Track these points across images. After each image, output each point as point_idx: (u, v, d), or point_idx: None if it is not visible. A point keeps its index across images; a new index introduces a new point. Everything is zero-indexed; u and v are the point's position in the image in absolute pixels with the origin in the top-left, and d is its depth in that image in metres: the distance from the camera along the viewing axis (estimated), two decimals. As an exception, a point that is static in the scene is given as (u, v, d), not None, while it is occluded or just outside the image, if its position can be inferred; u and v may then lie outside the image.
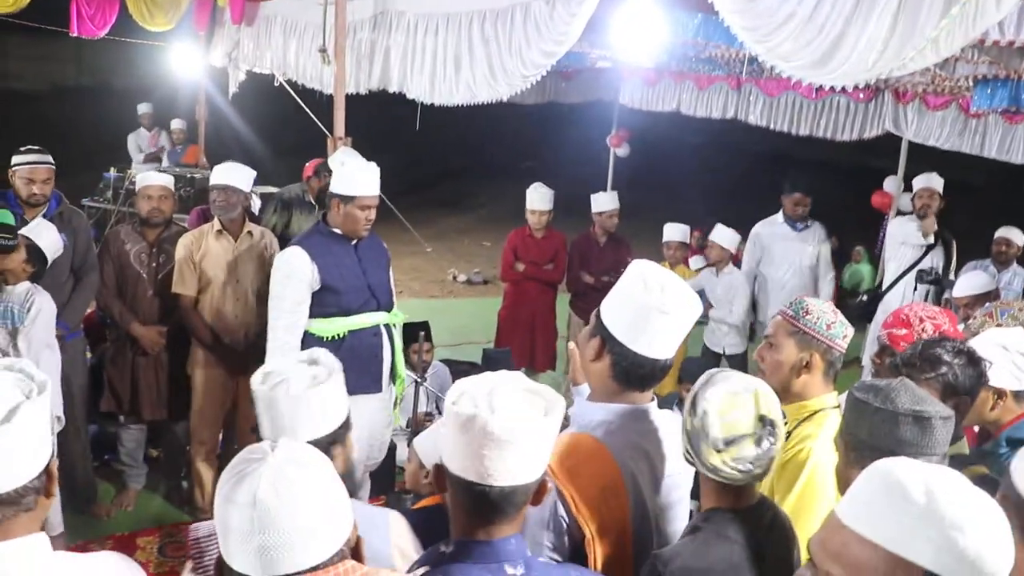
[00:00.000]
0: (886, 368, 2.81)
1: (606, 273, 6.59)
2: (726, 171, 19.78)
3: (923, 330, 2.88)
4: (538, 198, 6.63)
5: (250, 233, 4.74)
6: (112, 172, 9.73)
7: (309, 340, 4.07)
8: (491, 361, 5.15)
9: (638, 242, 10.93)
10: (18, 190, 4.56)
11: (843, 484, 1.96)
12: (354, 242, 4.18)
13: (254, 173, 4.88)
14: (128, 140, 11.41)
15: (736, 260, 6.65)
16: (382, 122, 10.73)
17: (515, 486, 1.66)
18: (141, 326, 4.77)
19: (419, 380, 4.94)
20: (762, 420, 1.89)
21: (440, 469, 1.72)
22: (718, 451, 1.87)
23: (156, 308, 4.82)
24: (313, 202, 5.70)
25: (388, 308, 4.31)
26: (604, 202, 6.73)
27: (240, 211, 4.71)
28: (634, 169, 10.60)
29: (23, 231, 4.17)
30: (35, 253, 4.14)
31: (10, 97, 18.97)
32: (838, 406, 2.50)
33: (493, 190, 16.77)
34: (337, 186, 4.09)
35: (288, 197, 5.82)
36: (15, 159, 4.57)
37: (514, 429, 1.62)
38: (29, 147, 4.62)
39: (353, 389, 3.97)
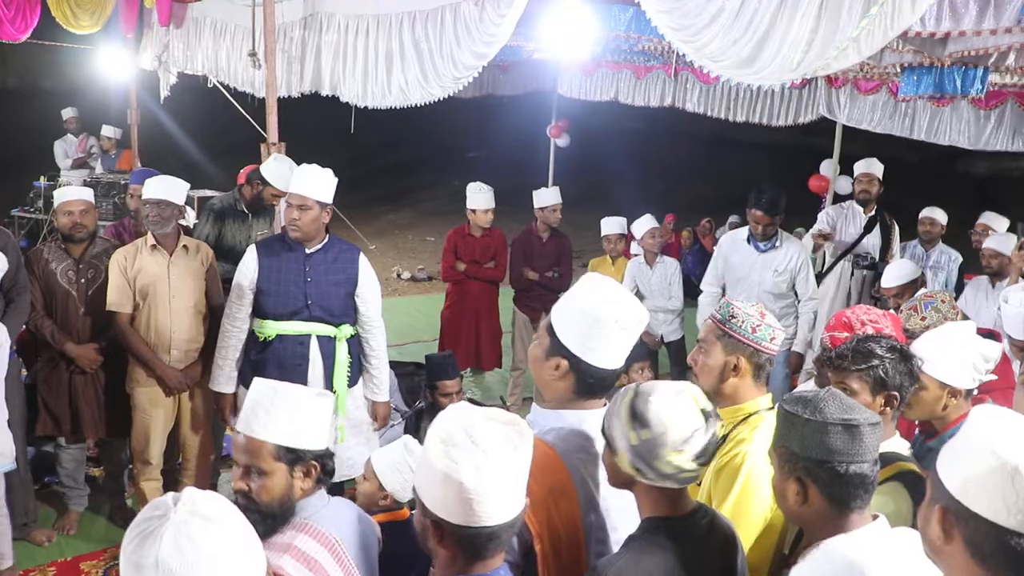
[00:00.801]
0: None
1: (549, 268, 6.62)
2: (666, 156, 19.93)
3: (864, 334, 2.92)
4: (482, 199, 6.60)
5: (185, 247, 4.63)
6: (43, 180, 9.51)
7: (249, 337, 4.35)
8: (434, 366, 5.11)
9: (582, 232, 11.00)
10: None
11: (779, 496, 2.00)
12: (311, 251, 4.24)
13: (187, 185, 4.77)
14: (55, 146, 11.10)
15: (673, 248, 6.72)
16: (317, 122, 10.61)
17: (510, 519, 1.76)
18: (76, 346, 4.66)
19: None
20: (704, 412, 1.97)
21: (439, 526, 1.75)
22: (679, 451, 1.92)
23: (88, 325, 4.70)
24: (246, 211, 5.59)
25: (331, 321, 4.31)
26: (547, 197, 6.74)
27: (174, 225, 4.60)
28: (575, 158, 10.61)
29: None
30: None
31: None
32: (772, 407, 2.54)
33: (434, 184, 16.71)
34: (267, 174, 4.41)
35: (220, 207, 5.67)
36: None
37: (501, 477, 1.72)
38: None
39: None
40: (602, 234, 6.85)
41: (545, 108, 10.23)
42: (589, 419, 2.18)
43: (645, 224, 6.69)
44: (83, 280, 4.68)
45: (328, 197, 4.21)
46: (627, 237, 7.12)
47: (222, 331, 4.37)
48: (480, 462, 1.70)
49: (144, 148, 9.67)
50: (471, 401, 5.44)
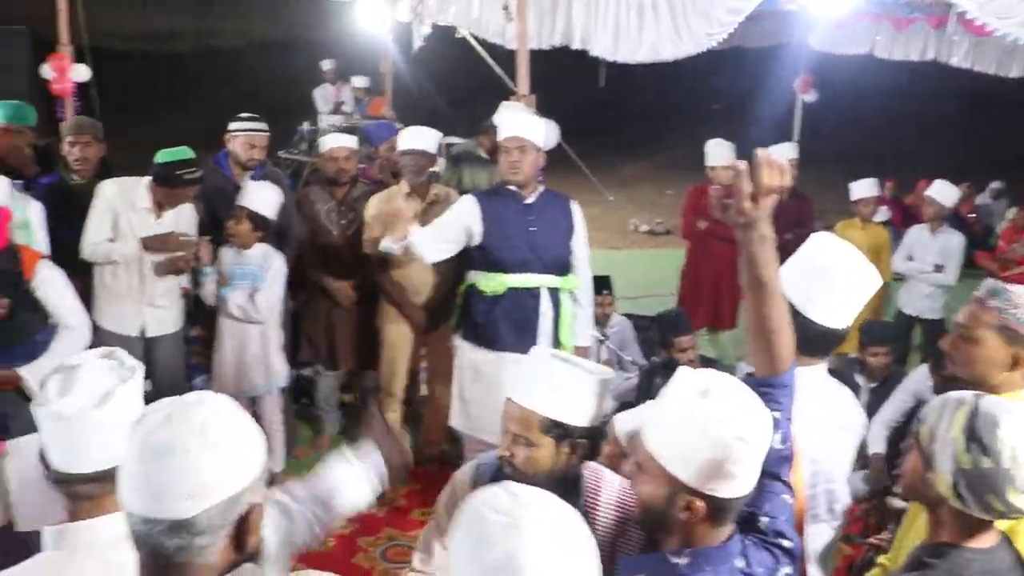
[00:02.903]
0: None
1: (788, 230, 6.36)
2: (924, 115, 18.55)
3: None
4: (721, 157, 6.44)
5: (436, 195, 4.88)
6: (305, 125, 10.19)
7: (472, 294, 4.27)
8: (667, 322, 5.09)
9: (825, 191, 10.52)
10: (237, 153, 4.86)
11: None
12: (528, 201, 4.23)
13: (439, 135, 4.98)
14: (315, 94, 11.92)
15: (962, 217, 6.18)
16: (563, 72, 10.68)
17: (746, 492, 1.73)
18: (335, 281, 5.03)
19: (600, 339, 4.95)
20: None
21: (698, 500, 1.68)
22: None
23: (347, 263, 5.05)
24: (486, 156, 5.77)
25: (557, 272, 4.28)
26: (784, 152, 6.47)
27: (428, 174, 4.84)
28: (821, 114, 10.12)
29: (242, 201, 4.49)
30: (258, 219, 4.45)
31: (211, 54, 20.13)
32: None
33: (674, 136, 16.40)
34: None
35: (458, 152, 5.91)
36: (234, 125, 4.88)
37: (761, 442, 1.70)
38: (248, 114, 4.91)
39: (504, 347, 4.12)
40: (853, 197, 6.50)
41: (792, 62, 9.78)
42: (804, 375, 2.08)
43: (864, 189, 6.35)
44: (344, 221, 5.04)
45: (543, 142, 4.19)
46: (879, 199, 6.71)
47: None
48: (752, 423, 1.68)
49: (395, 96, 10.16)
50: (704, 360, 5.40)
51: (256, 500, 1.39)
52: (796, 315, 2.08)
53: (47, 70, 7.07)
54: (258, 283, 4.49)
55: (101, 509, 1.70)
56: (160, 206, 4.40)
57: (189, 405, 1.38)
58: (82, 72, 7.17)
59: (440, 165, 6.07)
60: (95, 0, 8.62)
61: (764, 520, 1.81)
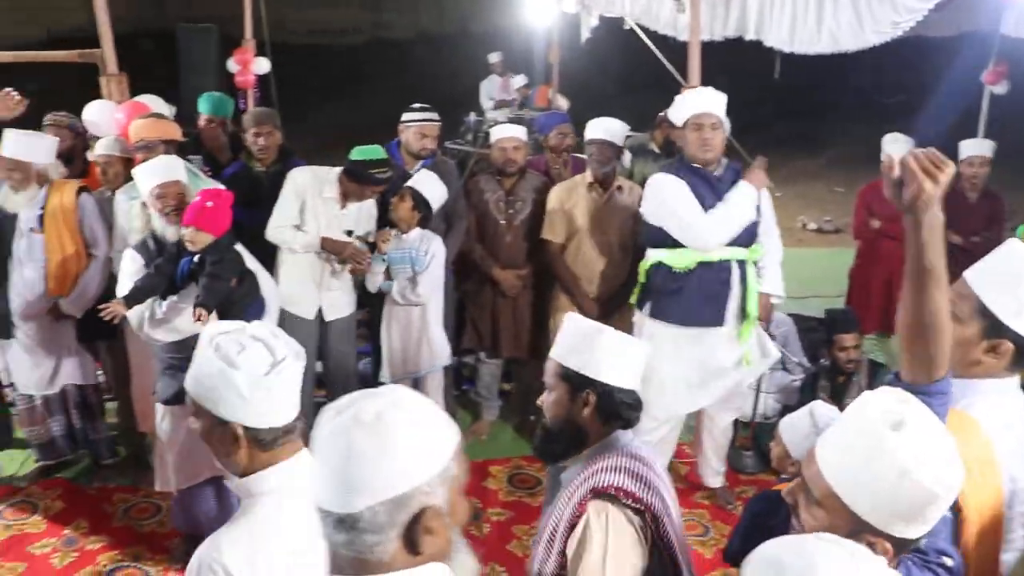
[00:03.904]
0: None
1: (975, 232, 5.97)
2: None
3: None
4: (896, 149, 6.12)
5: (619, 187, 4.90)
6: (472, 116, 10.36)
7: (659, 271, 4.27)
8: (832, 320, 4.93)
9: (1016, 190, 9.87)
10: (409, 143, 5.00)
11: None
12: (717, 173, 4.20)
13: (627, 127, 4.99)
14: (481, 86, 12.10)
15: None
16: (736, 64, 10.44)
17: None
18: (501, 270, 5.12)
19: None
20: None
21: (886, 542, 1.58)
22: None
23: (514, 252, 5.13)
24: (657, 150, 5.72)
25: (744, 243, 4.24)
26: (973, 148, 6.07)
27: (612, 165, 4.87)
28: (1012, 108, 9.47)
29: (409, 182, 4.64)
30: (421, 202, 4.58)
31: (381, 46, 20.81)
32: None
33: (847, 131, 15.74)
34: (674, 116, 4.23)
35: (630, 145, 5.90)
36: (407, 115, 5.02)
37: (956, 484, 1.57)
38: (421, 105, 5.05)
39: (695, 321, 4.12)
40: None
41: (980, 51, 9.19)
42: (999, 387, 2.02)
43: None
44: (511, 211, 5.11)
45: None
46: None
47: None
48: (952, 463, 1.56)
49: (562, 87, 10.20)
50: (871, 364, 5.17)
51: (432, 502, 1.35)
52: (1008, 331, 1.98)
53: (232, 64, 7.53)
54: (417, 266, 4.61)
55: (287, 455, 1.93)
56: (345, 197, 4.59)
57: (367, 399, 1.38)
58: (263, 65, 7.60)
59: (627, 158, 6.04)
60: (277, -1, 9.06)
61: (924, 539, 1.68)
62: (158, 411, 3.97)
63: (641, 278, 4.41)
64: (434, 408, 1.41)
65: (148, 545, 4.39)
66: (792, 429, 3.12)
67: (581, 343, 2.38)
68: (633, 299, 4.49)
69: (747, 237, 4.23)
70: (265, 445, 1.88)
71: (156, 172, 3.95)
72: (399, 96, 6.25)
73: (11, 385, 4.84)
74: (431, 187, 4.64)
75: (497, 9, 13.78)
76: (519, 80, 11.48)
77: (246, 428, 1.85)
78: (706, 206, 4.12)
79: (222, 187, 4.31)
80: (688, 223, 4.07)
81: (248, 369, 1.82)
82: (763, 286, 4.36)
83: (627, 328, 4.65)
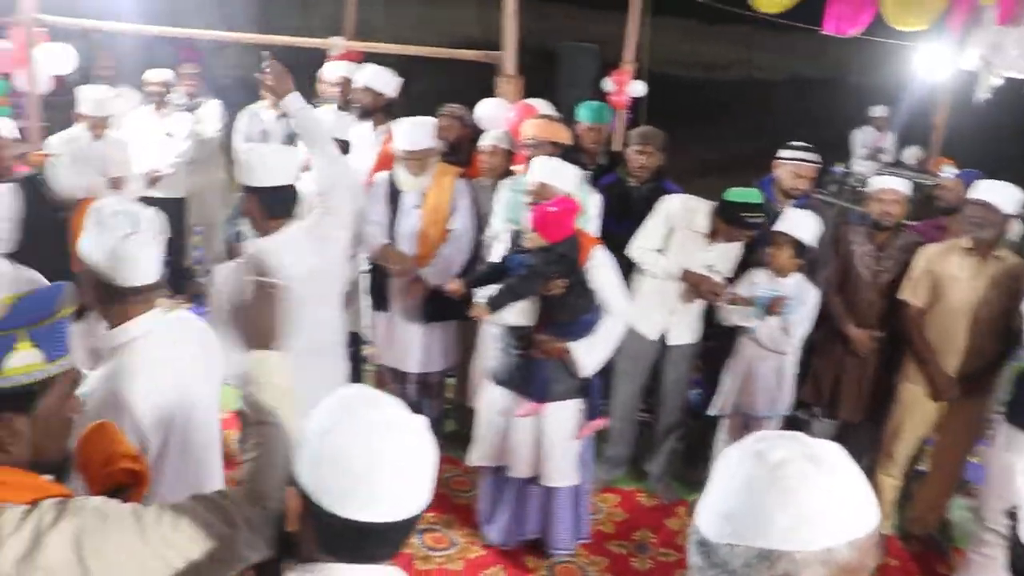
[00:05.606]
0: None
1: None
2: None
3: None
4: None
5: (998, 257, 4.44)
6: (840, 167, 9.91)
7: None
8: None
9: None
10: (782, 180, 4.87)
11: None
12: None
13: (1020, 193, 4.48)
14: (854, 135, 11.50)
15: None
16: None
17: None
18: (855, 328, 4.82)
19: None
20: None
21: None
22: None
23: (874, 311, 4.81)
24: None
25: None
26: None
27: (995, 232, 4.40)
28: None
29: (783, 227, 4.47)
30: (797, 246, 4.44)
31: (750, 85, 20.67)
32: None
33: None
34: None
35: (1027, 217, 5.31)
36: (785, 152, 4.90)
37: None
38: (801, 143, 4.92)
39: None
40: None
41: None
42: None
43: None
44: (879, 267, 4.79)
45: None
46: None
47: None
48: None
49: (948, 149, 9.49)
50: None
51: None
52: None
53: (608, 83, 7.78)
54: (790, 314, 4.47)
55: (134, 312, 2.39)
56: (714, 235, 4.58)
57: (795, 443, 1.24)
58: (639, 88, 7.79)
59: (1017, 230, 5.48)
60: (660, 28, 9.23)
61: None
62: (487, 390, 4.27)
63: (1010, 377, 3.99)
64: (859, 482, 1.22)
65: (459, 516, 4.71)
66: None
67: None
68: (1002, 406, 4.05)
69: None
70: (123, 300, 2.32)
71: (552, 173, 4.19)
72: (762, 135, 6.13)
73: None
74: (807, 229, 4.46)
75: (878, 60, 13.08)
76: (913, 152, 10.60)
77: (108, 284, 2.30)
78: None
79: (598, 195, 4.44)
80: None
81: (112, 233, 2.26)
82: None
83: (979, 420, 4.23)
